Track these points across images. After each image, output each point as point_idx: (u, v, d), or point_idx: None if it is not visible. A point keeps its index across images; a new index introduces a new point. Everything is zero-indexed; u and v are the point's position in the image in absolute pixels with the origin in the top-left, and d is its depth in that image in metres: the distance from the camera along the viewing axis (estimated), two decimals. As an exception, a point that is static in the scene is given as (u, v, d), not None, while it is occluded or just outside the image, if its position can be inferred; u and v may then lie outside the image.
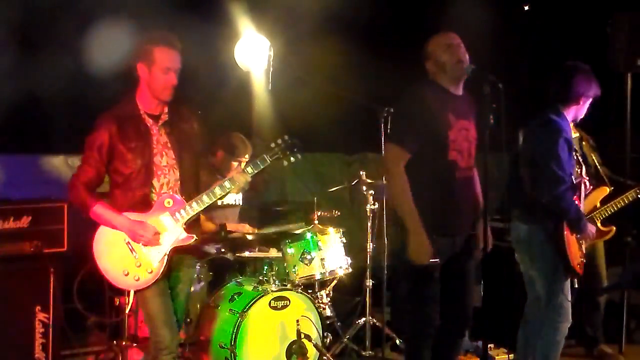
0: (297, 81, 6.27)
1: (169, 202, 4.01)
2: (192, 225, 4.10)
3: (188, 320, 5.07)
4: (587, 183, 5.00)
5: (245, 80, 6.49)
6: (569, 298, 4.73)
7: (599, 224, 5.31)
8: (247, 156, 5.69)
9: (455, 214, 4.31)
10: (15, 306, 4.65)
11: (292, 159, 4.12)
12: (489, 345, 4.83)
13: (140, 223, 3.97)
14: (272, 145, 4.09)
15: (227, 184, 4.04)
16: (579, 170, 5.02)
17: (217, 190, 4.03)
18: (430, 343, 4.38)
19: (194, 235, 4.06)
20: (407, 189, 4.21)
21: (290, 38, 6.33)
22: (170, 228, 4.02)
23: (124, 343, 5.09)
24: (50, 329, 4.74)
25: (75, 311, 5.13)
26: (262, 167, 4.07)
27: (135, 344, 5.07)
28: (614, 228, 5.38)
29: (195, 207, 4.03)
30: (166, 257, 4.01)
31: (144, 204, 4.01)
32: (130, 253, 3.99)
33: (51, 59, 5.59)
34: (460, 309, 4.43)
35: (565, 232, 4.66)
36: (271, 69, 6.13)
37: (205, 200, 4.03)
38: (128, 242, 3.99)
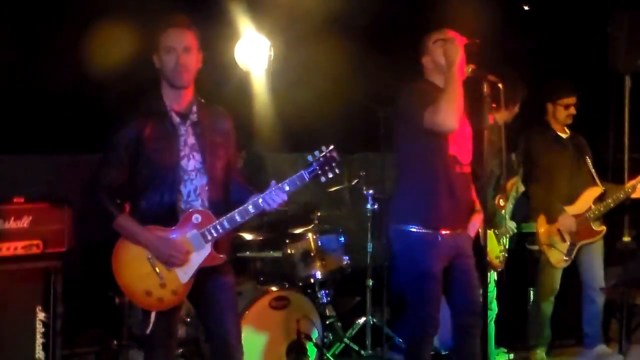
0: (297, 81, 6.27)
1: (197, 217, 3.68)
2: (221, 243, 3.77)
3: (187, 319, 5.07)
4: None
5: (245, 80, 6.49)
6: None
7: (591, 224, 5.33)
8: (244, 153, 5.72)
9: (456, 207, 4.30)
10: (15, 306, 4.65)
11: (330, 175, 3.69)
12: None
13: (170, 241, 3.63)
14: (310, 159, 3.68)
15: (261, 202, 3.68)
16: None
17: (251, 209, 3.68)
18: (432, 343, 4.39)
19: (224, 256, 3.77)
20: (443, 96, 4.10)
21: (290, 38, 6.33)
22: (199, 247, 3.68)
23: (124, 343, 5.10)
24: (51, 329, 4.73)
25: (75, 311, 5.13)
26: (300, 185, 3.68)
27: (135, 345, 5.08)
28: (605, 228, 5.41)
29: (226, 226, 3.67)
30: (193, 278, 3.69)
31: (170, 214, 3.68)
32: (154, 271, 3.66)
33: (52, 58, 5.59)
34: (468, 301, 4.38)
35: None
36: (271, 69, 6.14)
37: (238, 219, 3.68)
38: (151, 260, 3.66)
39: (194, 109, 3.79)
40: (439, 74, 4.30)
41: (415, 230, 4.28)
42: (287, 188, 3.68)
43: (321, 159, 3.68)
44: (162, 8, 5.05)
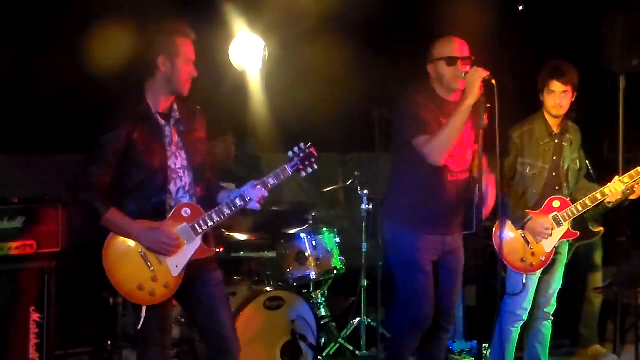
0: (292, 81, 6.27)
1: (186, 211, 3.76)
2: (211, 235, 3.88)
3: (182, 319, 5.06)
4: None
5: (240, 80, 6.49)
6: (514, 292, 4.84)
7: (588, 224, 5.28)
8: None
9: (445, 215, 4.36)
10: (9, 306, 4.63)
11: (309, 170, 3.87)
12: (484, 345, 4.83)
13: (161, 230, 3.68)
14: (291, 154, 3.85)
15: (247, 194, 3.79)
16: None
17: (238, 202, 3.79)
18: (417, 339, 4.38)
19: (214, 248, 3.87)
20: (442, 131, 4.14)
21: (285, 38, 6.33)
22: (189, 240, 3.75)
23: (118, 343, 5.10)
24: (45, 330, 4.72)
25: (69, 311, 5.12)
26: (283, 178, 3.83)
27: (129, 345, 5.07)
28: (602, 229, 5.39)
29: (215, 219, 3.77)
30: (184, 271, 3.74)
31: (158, 212, 3.74)
32: (145, 265, 3.70)
33: (51, 59, 5.59)
34: (445, 305, 4.44)
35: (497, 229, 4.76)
36: (266, 69, 6.14)
37: (226, 212, 3.78)
38: (142, 253, 3.70)
39: (175, 107, 3.87)
40: (440, 84, 4.34)
41: (402, 227, 4.36)
42: (272, 182, 3.83)
43: (301, 154, 3.86)
44: (157, 9, 5.05)
